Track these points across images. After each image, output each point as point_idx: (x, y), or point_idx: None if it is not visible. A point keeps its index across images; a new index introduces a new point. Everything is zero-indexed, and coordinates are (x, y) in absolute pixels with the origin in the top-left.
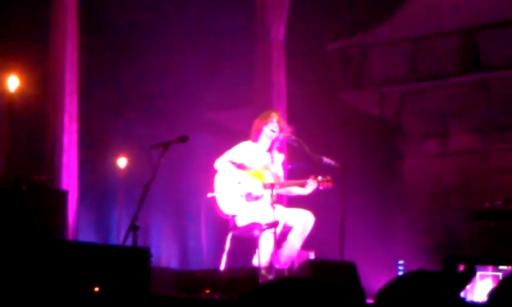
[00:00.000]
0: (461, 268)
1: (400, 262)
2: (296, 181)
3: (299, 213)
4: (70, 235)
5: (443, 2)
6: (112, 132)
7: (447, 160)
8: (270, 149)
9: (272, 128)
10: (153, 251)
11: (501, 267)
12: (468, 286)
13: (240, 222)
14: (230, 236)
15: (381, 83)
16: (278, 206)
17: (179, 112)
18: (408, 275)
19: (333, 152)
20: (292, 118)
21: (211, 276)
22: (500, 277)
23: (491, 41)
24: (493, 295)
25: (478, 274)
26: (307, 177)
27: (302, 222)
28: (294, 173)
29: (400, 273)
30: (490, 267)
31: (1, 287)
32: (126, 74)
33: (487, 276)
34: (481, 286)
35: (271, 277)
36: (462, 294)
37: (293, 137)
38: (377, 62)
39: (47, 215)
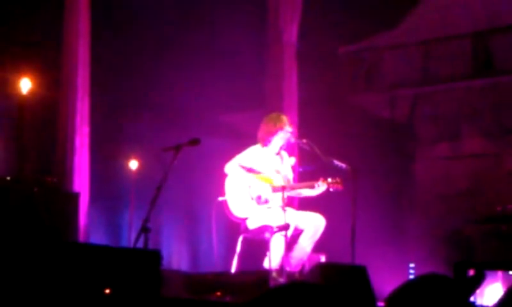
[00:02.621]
0: (471, 273)
1: (412, 265)
2: (306, 183)
3: (310, 217)
4: (81, 237)
5: (455, 5)
6: (124, 134)
7: (458, 163)
8: (278, 152)
9: (287, 134)
10: (164, 253)
11: (511, 272)
12: (477, 290)
13: (252, 225)
14: (241, 239)
15: (393, 86)
16: (289, 209)
17: (191, 115)
18: (419, 279)
19: (344, 155)
20: (303, 120)
21: (222, 279)
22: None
23: (503, 44)
24: (500, 302)
25: (487, 278)
26: (318, 180)
27: (313, 225)
28: (305, 176)
29: (412, 276)
30: (500, 271)
31: (12, 289)
32: (138, 77)
33: (497, 280)
34: (491, 290)
35: (281, 280)
36: (472, 298)
37: (304, 140)
38: (389, 65)
39: (58, 217)
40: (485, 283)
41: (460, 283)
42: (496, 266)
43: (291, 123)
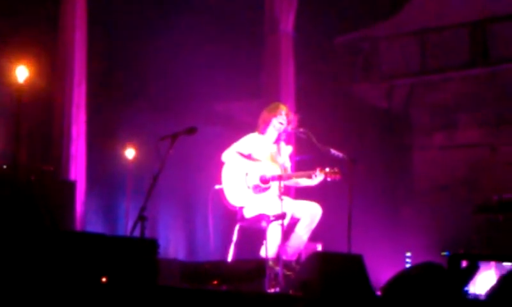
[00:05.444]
0: (465, 263)
1: (408, 254)
2: (303, 173)
3: (306, 205)
4: (78, 226)
5: None
6: (121, 122)
7: (455, 153)
8: (277, 141)
9: (280, 121)
10: (160, 241)
11: (504, 264)
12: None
13: (248, 213)
14: (237, 227)
15: (390, 76)
16: (286, 198)
17: (187, 103)
18: (414, 269)
19: (341, 144)
20: (300, 110)
21: (218, 267)
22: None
23: (501, 34)
24: (492, 291)
25: (481, 267)
26: (315, 169)
27: (309, 214)
28: (302, 165)
29: (408, 265)
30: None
31: (9, 278)
32: (135, 65)
33: (489, 269)
34: (484, 279)
35: (278, 268)
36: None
37: (301, 129)
38: (386, 55)
39: (54, 205)
40: (478, 272)
41: (454, 274)
42: (489, 257)
43: (290, 113)
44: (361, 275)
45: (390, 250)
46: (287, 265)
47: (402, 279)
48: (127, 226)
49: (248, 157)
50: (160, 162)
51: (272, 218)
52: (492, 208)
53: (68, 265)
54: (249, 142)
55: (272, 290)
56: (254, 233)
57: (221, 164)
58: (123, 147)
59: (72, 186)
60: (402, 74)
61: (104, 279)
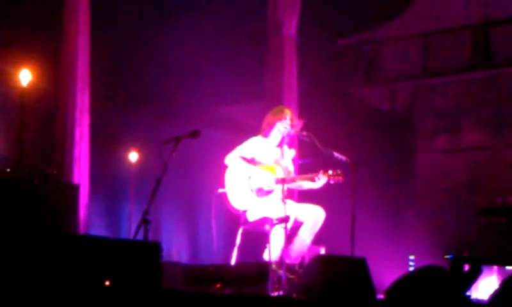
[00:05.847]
0: (467, 267)
1: (411, 258)
2: (307, 176)
3: (310, 209)
4: (81, 229)
5: None
6: (124, 126)
7: (458, 156)
8: (280, 145)
9: (285, 125)
10: (164, 245)
11: (507, 267)
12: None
13: (251, 217)
14: (240, 231)
15: (393, 79)
16: (289, 201)
17: (190, 107)
18: (417, 273)
19: (344, 147)
20: (303, 113)
21: (222, 271)
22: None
23: (503, 37)
24: (494, 296)
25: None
26: (318, 172)
27: (313, 217)
28: (305, 168)
29: (411, 268)
30: (496, 266)
31: (12, 281)
32: (137, 69)
33: (492, 274)
34: (486, 284)
35: (281, 272)
36: (467, 292)
37: (304, 133)
38: (389, 57)
39: (58, 208)
40: (481, 276)
41: (457, 277)
42: (492, 261)
43: (294, 117)
44: (365, 279)
45: (394, 253)
46: (290, 268)
47: (406, 282)
48: (130, 229)
49: (251, 161)
50: (164, 166)
51: (275, 221)
52: (495, 211)
53: (71, 268)
54: (252, 145)
55: (275, 294)
56: (257, 236)
57: (224, 167)
58: (127, 150)
59: (75, 189)
60: (404, 77)
61: (107, 283)
